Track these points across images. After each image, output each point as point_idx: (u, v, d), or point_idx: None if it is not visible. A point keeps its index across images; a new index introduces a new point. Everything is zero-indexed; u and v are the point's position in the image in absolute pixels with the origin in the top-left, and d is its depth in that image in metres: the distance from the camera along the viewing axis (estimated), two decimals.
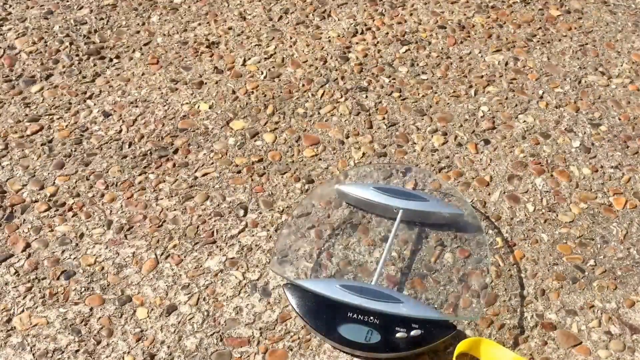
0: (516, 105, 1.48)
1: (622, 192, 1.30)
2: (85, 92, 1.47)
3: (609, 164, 1.35)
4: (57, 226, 1.20)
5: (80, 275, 1.13)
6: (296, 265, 1.16)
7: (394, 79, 1.53)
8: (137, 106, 1.44)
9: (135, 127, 1.39)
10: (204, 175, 1.30)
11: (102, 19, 1.67)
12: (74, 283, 1.11)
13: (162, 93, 1.47)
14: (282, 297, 1.10)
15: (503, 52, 1.61)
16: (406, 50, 1.61)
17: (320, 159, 1.34)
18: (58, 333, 1.05)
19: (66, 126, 1.39)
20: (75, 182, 1.28)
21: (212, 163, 1.32)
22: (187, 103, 1.45)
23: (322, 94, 1.48)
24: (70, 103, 1.44)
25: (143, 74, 1.52)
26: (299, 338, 1.05)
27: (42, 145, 1.35)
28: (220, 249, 1.17)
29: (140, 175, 1.30)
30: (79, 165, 1.31)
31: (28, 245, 1.17)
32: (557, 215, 1.25)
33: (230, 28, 1.66)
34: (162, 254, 1.16)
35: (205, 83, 1.50)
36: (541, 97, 1.50)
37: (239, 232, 1.20)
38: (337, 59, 1.58)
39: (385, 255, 1.10)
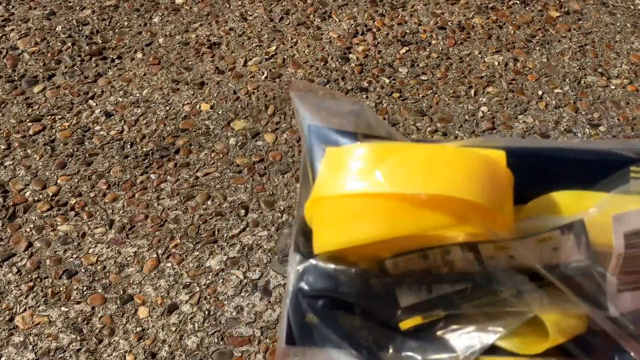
0: (516, 105, 1.48)
1: None
2: (87, 93, 1.48)
3: None
4: (59, 225, 1.21)
5: (82, 275, 1.13)
6: None
7: (394, 79, 1.54)
8: (138, 106, 1.45)
9: (137, 127, 1.40)
10: (205, 175, 1.31)
11: (104, 19, 1.68)
12: (75, 282, 1.12)
13: (163, 93, 1.48)
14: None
15: (503, 53, 1.62)
16: (406, 51, 1.62)
17: None
18: (60, 332, 1.06)
19: (68, 126, 1.40)
20: (78, 181, 1.29)
21: (213, 163, 1.33)
22: (188, 103, 1.46)
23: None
24: (72, 103, 1.45)
25: (145, 75, 1.53)
26: None
27: (44, 145, 1.36)
28: (222, 249, 1.18)
29: (141, 175, 1.30)
30: (81, 165, 1.32)
31: (30, 245, 1.18)
32: None
33: (231, 29, 1.67)
34: (163, 253, 1.17)
35: (207, 83, 1.51)
36: (540, 98, 1.51)
37: (240, 232, 1.21)
38: (337, 60, 1.58)
39: None
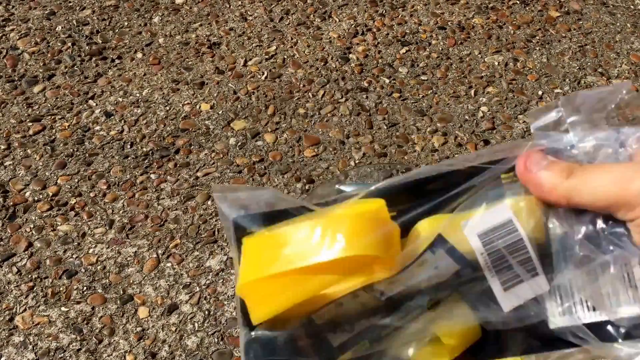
0: (516, 105, 1.49)
1: None
2: (87, 93, 1.48)
3: None
4: (59, 225, 1.21)
5: (82, 275, 1.13)
6: None
7: (394, 79, 1.54)
8: (138, 106, 1.45)
9: (137, 127, 1.40)
10: (205, 175, 1.31)
11: (104, 19, 1.68)
12: (75, 282, 1.12)
13: (163, 93, 1.48)
14: None
15: (503, 53, 1.62)
16: (406, 51, 1.62)
17: (320, 159, 1.35)
18: (60, 332, 1.06)
19: (68, 126, 1.40)
20: (77, 181, 1.29)
21: (213, 163, 1.33)
22: (188, 103, 1.46)
23: (323, 95, 1.49)
24: (72, 103, 1.45)
25: (145, 75, 1.53)
26: None
27: (44, 145, 1.36)
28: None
29: (141, 175, 1.30)
30: (81, 165, 1.32)
31: (30, 245, 1.18)
32: None
33: (231, 29, 1.67)
34: (163, 253, 1.17)
35: (207, 83, 1.51)
36: (540, 98, 1.51)
37: None
38: (337, 60, 1.58)
39: None
